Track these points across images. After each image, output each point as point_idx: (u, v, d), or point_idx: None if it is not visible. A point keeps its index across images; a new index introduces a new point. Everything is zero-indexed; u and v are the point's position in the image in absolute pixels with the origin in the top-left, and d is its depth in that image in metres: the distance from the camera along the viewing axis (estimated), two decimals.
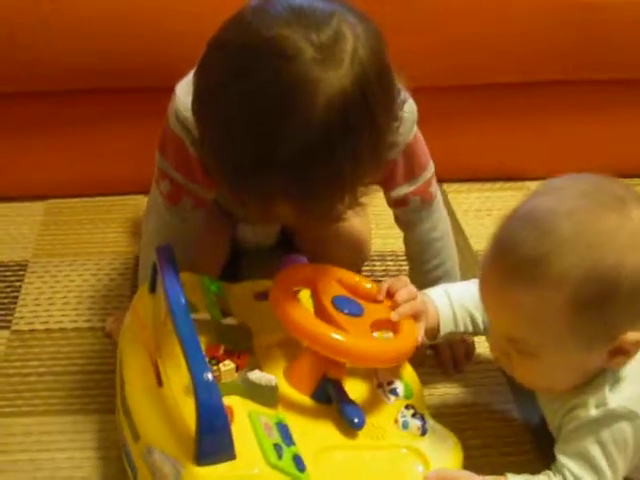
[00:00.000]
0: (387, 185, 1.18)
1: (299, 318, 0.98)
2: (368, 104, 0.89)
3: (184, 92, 1.04)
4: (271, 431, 0.92)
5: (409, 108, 1.11)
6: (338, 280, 1.08)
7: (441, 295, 1.13)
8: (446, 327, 1.12)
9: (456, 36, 1.48)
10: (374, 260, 1.42)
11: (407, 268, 1.31)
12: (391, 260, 1.43)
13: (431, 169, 1.20)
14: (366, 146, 0.90)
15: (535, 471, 0.99)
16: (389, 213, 1.25)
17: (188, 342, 0.88)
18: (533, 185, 1.62)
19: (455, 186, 1.61)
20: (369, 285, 1.10)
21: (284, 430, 0.93)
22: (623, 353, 0.94)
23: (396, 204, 1.21)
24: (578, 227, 0.91)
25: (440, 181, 1.63)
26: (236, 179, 0.92)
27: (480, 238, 1.51)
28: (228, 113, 0.89)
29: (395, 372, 1.08)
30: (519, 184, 1.67)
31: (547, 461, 1.01)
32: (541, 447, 1.10)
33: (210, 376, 0.86)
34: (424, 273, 1.25)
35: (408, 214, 1.22)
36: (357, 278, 1.11)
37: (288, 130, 0.86)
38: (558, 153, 1.66)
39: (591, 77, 1.58)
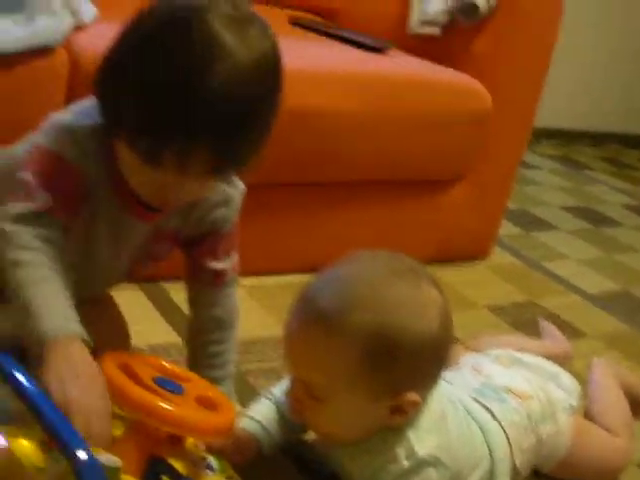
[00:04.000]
0: (210, 255, 1.22)
1: (143, 397, 0.99)
2: (279, 71, 1.04)
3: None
4: None
5: (242, 189, 1.21)
6: (147, 364, 1.10)
7: (248, 423, 1.22)
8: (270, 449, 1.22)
9: None
10: None
11: None
12: None
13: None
14: (270, 107, 1.04)
15: None
16: None
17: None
18: None
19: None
20: (168, 365, 1.14)
21: None
22: (402, 412, 1.09)
23: (213, 277, 1.23)
24: (374, 291, 1.06)
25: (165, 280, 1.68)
26: (162, 126, 0.98)
27: None
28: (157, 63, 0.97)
29: (201, 449, 1.12)
30: None
31: None
32: None
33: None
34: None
35: (221, 289, 1.24)
36: (160, 360, 1.14)
37: (216, 68, 0.96)
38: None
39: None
